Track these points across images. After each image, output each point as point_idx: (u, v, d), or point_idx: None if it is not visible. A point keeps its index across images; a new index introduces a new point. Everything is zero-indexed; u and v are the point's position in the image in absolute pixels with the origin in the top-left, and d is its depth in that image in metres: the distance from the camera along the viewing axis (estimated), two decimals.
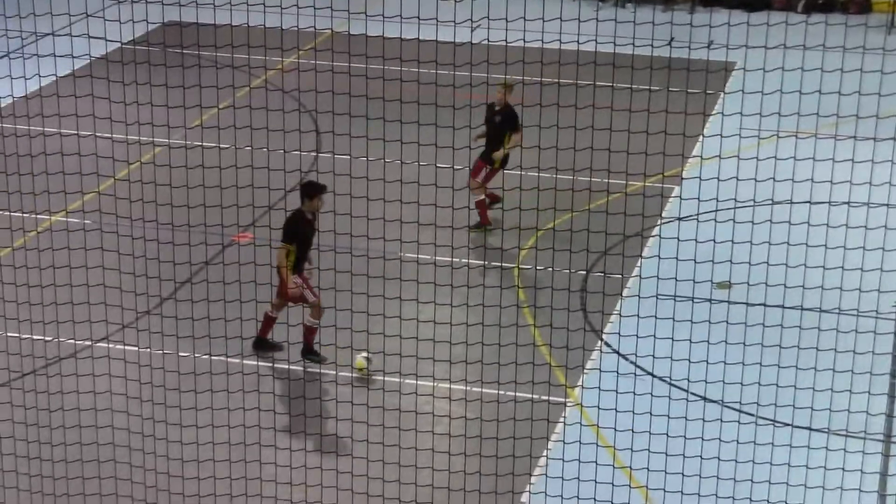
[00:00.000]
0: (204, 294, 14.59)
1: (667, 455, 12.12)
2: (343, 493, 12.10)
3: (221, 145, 17.35)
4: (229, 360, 13.88)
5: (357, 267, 14.38)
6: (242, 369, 13.59)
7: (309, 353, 14.78)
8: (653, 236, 17.44)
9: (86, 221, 17.04)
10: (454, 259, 16.92)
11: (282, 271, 14.38)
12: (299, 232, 14.46)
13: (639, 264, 16.66)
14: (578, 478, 12.02)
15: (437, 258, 16.18)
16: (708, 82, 21.55)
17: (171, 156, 18.65)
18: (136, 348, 13.94)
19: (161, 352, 14.13)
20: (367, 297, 14.31)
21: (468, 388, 13.93)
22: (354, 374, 14.05)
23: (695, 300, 14.68)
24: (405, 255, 15.10)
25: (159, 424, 12.77)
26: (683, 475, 12.05)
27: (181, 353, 13.95)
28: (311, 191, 14.60)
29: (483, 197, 18.36)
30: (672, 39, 23.45)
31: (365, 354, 14.32)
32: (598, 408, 13.34)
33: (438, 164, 18.00)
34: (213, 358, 13.98)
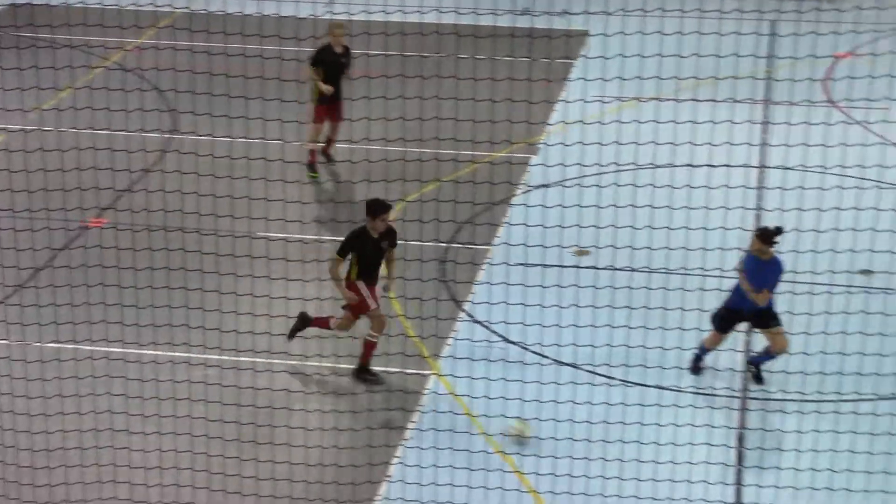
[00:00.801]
0: (60, 281, 14.32)
1: (521, 419, 12.25)
2: (200, 475, 11.98)
3: (72, 129, 17.01)
4: (78, 346, 13.60)
5: (223, 247, 14.26)
6: (92, 355, 13.33)
7: (364, 371, 13.76)
8: (508, 204, 17.55)
9: None
10: (315, 235, 16.82)
11: (336, 283, 13.46)
12: (356, 248, 13.43)
13: (498, 234, 16.75)
14: (435, 446, 12.10)
15: (303, 235, 16.07)
16: (566, 49, 21.81)
17: (22, 140, 18.20)
18: None
19: (6, 342, 13.82)
20: (234, 277, 14.19)
21: (321, 362, 13.87)
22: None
23: (547, 266, 14.86)
24: (271, 235, 15.00)
25: (6, 415, 12.48)
26: (539, 438, 12.19)
27: (31, 343, 13.66)
28: (371, 210, 13.44)
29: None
30: (526, 10, 23.66)
31: (515, 425, 12.69)
32: (454, 376, 13.45)
33: (290, 140, 17.90)
34: (62, 346, 13.71)
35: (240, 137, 16.41)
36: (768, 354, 13.52)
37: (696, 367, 13.70)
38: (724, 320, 13.49)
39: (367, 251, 13.46)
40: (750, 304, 13.30)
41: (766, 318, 13.35)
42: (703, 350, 13.68)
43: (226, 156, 15.10)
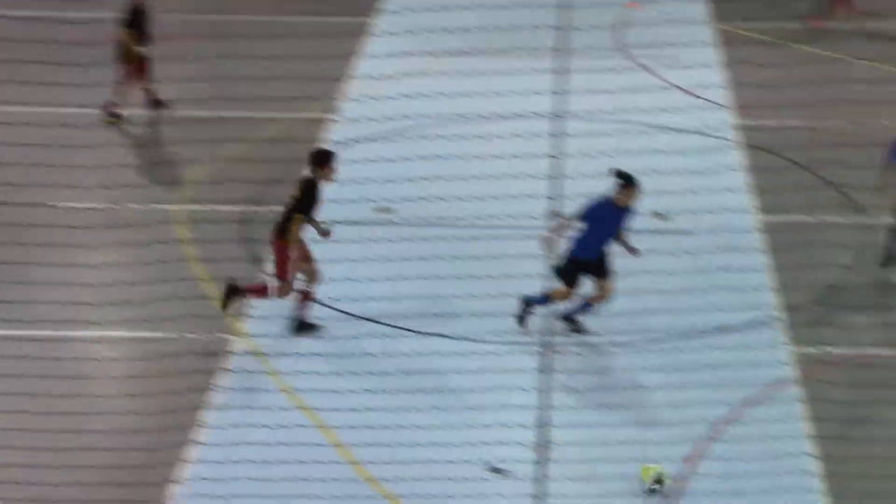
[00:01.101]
0: None
1: (318, 374, 12.42)
2: (7, 452, 11.73)
3: None
4: None
5: (14, 218, 13.95)
6: None
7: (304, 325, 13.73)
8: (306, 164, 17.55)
9: None
10: (109, 203, 16.59)
11: (291, 244, 13.33)
12: (315, 202, 13.26)
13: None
14: (237, 407, 12.14)
15: (96, 204, 15.80)
16: (360, 7, 21.82)
17: None
18: None
19: None
20: (26, 248, 13.86)
21: (115, 331, 13.72)
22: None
23: (345, 224, 14.98)
24: (62, 204, 14.71)
25: None
26: (337, 392, 12.31)
27: None
28: (322, 160, 13.26)
29: None
30: None
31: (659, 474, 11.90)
32: (257, 336, 13.50)
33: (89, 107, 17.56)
34: None
35: (30, 104, 16.05)
36: (587, 305, 13.70)
37: (525, 317, 13.72)
38: (571, 273, 13.43)
39: (316, 204, 13.33)
40: (595, 255, 13.38)
41: (606, 270, 13.49)
42: (542, 300, 13.62)
43: (7, 122, 14.76)
